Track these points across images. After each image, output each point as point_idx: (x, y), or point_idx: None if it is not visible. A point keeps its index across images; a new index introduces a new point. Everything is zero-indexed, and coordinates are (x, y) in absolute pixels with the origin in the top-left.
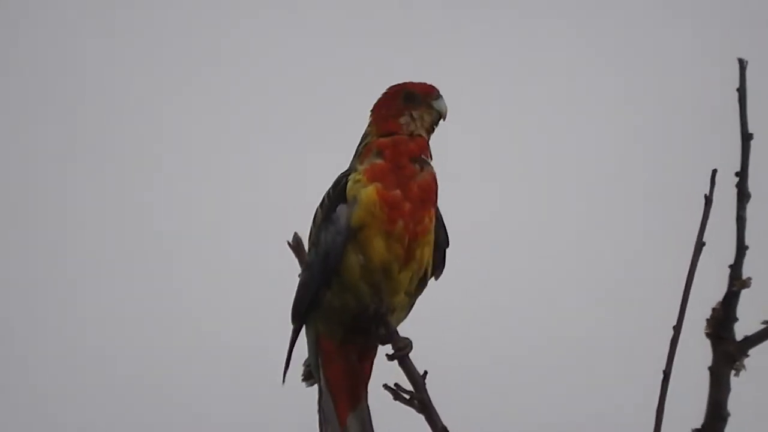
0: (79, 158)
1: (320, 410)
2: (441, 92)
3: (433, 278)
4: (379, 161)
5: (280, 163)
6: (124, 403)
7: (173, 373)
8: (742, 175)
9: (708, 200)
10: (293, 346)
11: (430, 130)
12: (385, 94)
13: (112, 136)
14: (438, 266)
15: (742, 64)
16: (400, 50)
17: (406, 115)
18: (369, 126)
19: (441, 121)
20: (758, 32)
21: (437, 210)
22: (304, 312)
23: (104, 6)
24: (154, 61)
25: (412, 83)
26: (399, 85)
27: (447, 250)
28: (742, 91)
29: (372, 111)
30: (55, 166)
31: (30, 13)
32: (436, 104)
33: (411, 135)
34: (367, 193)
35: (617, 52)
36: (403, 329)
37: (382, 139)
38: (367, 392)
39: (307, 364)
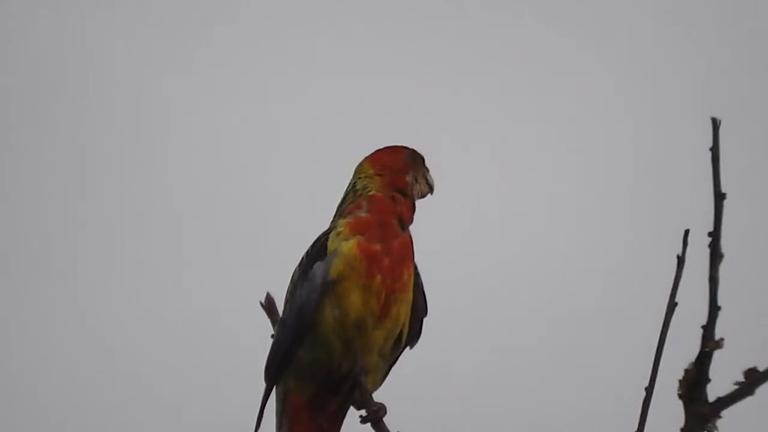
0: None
1: None
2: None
3: (408, 347)
4: (364, 215)
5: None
6: None
7: None
8: (715, 235)
9: (680, 260)
10: (265, 405)
11: (419, 197)
12: (388, 149)
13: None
14: (414, 335)
15: (716, 124)
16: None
17: (411, 175)
18: (366, 178)
19: (428, 195)
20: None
21: (417, 275)
22: (276, 370)
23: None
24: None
25: (409, 147)
26: (398, 146)
27: (424, 320)
28: (715, 151)
29: (372, 162)
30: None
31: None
32: (428, 176)
33: (410, 196)
34: (348, 246)
35: (584, 113)
36: (377, 395)
37: (378, 194)
38: None
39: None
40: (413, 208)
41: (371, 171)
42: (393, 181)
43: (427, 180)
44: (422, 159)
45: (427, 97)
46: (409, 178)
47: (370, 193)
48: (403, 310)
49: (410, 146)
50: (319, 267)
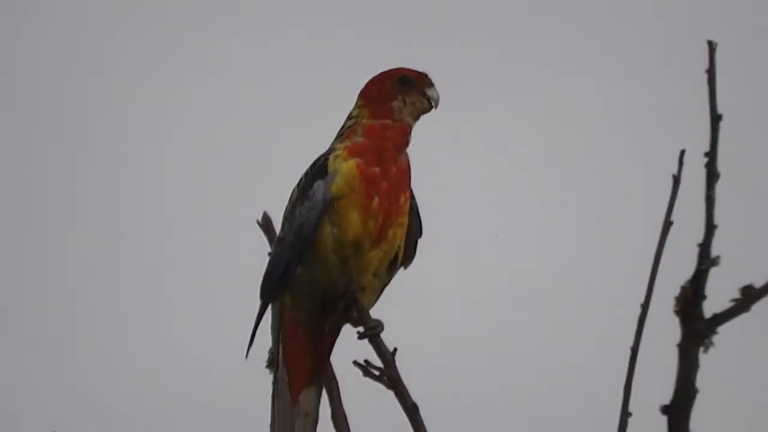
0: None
1: (274, 383)
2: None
3: (402, 267)
4: (361, 140)
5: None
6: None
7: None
8: (712, 155)
9: (676, 180)
10: (259, 322)
11: (417, 118)
12: (377, 77)
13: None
14: (409, 256)
15: (712, 46)
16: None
17: (398, 100)
18: (357, 108)
19: (432, 110)
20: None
21: (413, 198)
22: (273, 287)
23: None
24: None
25: (406, 68)
26: (393, 69)
27: (419, 241)
28: (711, 73)
29: (361, 93)
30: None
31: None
32: (429, 92)
33: (400, 120)
34: (348, 165)
35: (587, 37)
36: (374, 311)
37: (369, 122)
38: (324, 371)
39: (271, 351)
40: (407, 132)
41: (361, 101)
42: (378, 111)
43: (427, 97)
44: (418, 78)
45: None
46: (395, 104)
47: (363, 122)
48: (399, 233)
49: (404, 67)
50: (319, 186)
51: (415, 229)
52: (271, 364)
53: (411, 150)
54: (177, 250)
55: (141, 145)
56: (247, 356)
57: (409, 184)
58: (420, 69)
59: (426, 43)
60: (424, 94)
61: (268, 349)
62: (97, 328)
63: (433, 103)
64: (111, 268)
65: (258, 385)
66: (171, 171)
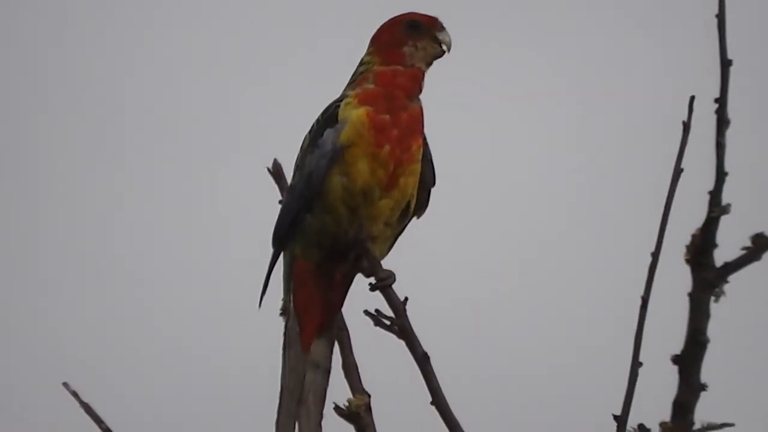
0: None
1: (285, 333)
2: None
3: (415, 217)
4: (371, 87)
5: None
6: None
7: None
8: (722, 101)
9: (686, 126)
10: (272, 270)
11: (430, 63)
12: (387, 22)
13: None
14: (422, 205)
15: None
16: None
17: (409, 45)
18: (368, 55)
19: (444, 54)
20: None
21: (426, 147)
22: (284, 236)
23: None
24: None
25: (416, 13)
26: (403, 14)
27: (432, 190)
28: (721, 18)
29: (372, 39)
30: None
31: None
32: (440, 35)
33: (411, 66)
34: (358, 113)
35: None
36: (386, 263)
37: (380, 68)
38: (336, 321)
39: (284, 299)
40: (419, 78)
41: (372, 48)
42: (389, 57)
43: (439, 41)
44: (429, 22)
45: None
46: (407, 49)
47: (374, 68)
48: (411, 182)
49: (414, 12)
50: (329, 134)
51: (428, 178)
52: (285, 312)
53: (426, 95)
54: (190, 198)
55: (150, 97)
56: (260, 305)
57: (422, 130)
58: (430, 14)
59: None
60: (435, 39)
61: (281, 297)
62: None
63: (445, 47)
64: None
65: (273, 336)
66: (181, 122)
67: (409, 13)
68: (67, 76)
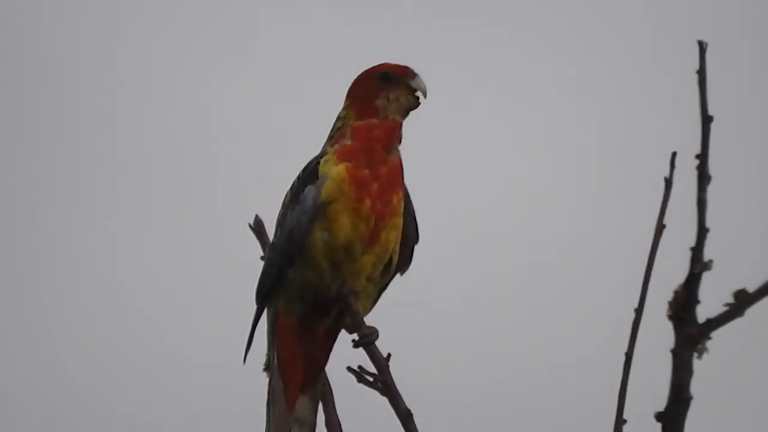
0: None
1: (269, 390)
2: (417, 71)
3: (399, 273)
4: (349, 143)
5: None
6: None
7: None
8: (703, 157)
9: (668, 183)
10: (256, 326)
11: (406, 114)
12: (360, 75)
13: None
14: (405, 262)
15: (702, 47)
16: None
17: (382, 98)
18: (344, 109)
19: (421, 101)
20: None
21: (408, 201)
22: (267, 292)
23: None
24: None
25: (387, 64)
26: (374, 66)
27: (415, 247)
28: (702, 74)
29: (348, 93)
30: None
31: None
32: (413, 83)
33: (386, 119)
34: (338, 170)
35: (575, 36)
36: (369, 318)
37: (356, 123)
38: (320, 378)
39: (268, 355)
40: (395, 129)
41: (347, 102)
42: (363, 111)
43: (414, 91)
44: (400, 72)
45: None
46: (380, 102)
47: (350, 123)
48: (392, 236)
49: (385, 63)
50: (310, 190)
51: (411, 234)
52: (269, 367)
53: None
54: (171, 255)
55: (133, 149)
56: (244, 361)
57: (402, 182)
58: (402, 63)
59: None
60: (408, 88)
61: (265, 353)
62: (96, 335)
63: (420, 94)
64: (109, 273)
65: (257, 389)
66: (167, 174)
67: (380, 65)
68: (67, 76)
